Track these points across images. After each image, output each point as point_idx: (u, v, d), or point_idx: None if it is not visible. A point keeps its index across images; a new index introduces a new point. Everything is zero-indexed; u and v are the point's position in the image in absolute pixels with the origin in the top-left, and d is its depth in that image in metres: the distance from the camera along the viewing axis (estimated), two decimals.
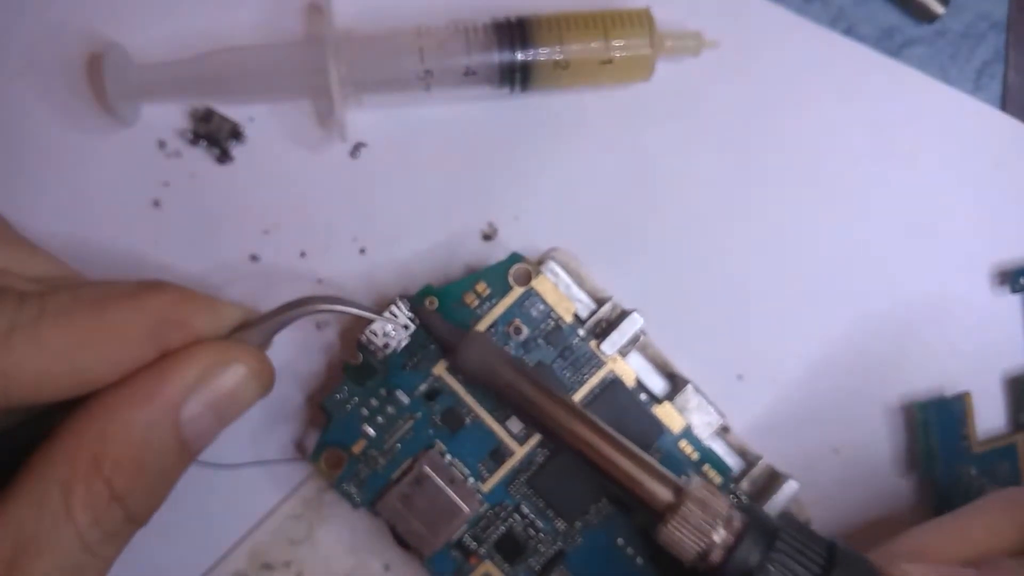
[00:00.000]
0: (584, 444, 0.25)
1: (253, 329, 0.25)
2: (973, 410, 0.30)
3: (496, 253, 0.30)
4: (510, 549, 0.28)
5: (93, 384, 0.22)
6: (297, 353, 0.29)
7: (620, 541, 0.28)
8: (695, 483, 0.24)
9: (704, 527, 0.23)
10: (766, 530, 0.23)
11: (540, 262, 0.28)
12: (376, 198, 0.30)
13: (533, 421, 0.26)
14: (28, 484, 0.21)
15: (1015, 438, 0.30)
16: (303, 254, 0.30)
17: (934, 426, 0.30)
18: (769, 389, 0.31)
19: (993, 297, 0.31)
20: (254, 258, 0.30)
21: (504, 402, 0.27)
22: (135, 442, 0.21)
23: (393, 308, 0.27)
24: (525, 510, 0.28)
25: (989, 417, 0.31)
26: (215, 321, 0.24)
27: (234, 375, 0.23)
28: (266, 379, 0.24)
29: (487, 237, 0.30)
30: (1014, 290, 0.31)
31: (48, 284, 0.23)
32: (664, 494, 0.24)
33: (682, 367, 0.29)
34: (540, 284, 0.28)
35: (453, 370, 0.27)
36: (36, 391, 0.21)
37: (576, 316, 0.28)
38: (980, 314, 0.31)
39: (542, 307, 0.28)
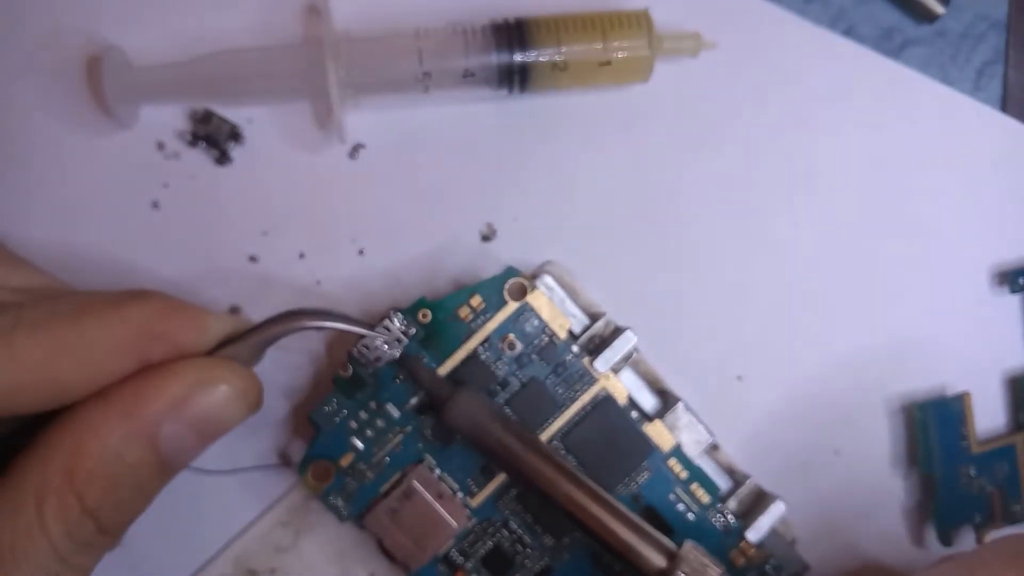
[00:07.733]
0: (576, 507, 0.25)
1: (240, 344, 0.24)
2: (973, 410, 0.30)
3: (495, 254, 0.30)
4: (497, 564, 0.28)
5: (71, 396, 0.21)
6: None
7: (606, 558, 0.27)
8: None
9: None
10: None
11: (535, 276, 0.28)
12: (375, 199, 0.30)
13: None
14: (4, 495, 0.21)
15: (1015, 438, 0.30)
16: (302, 255, 0.30)
17: (934, 426, 0.30)
18: (769, 390, 0.31)
19: (993, 297, 0.31)
20: (253, 259, 0.30)
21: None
22: (109, 458, 0.21)
23: (386, 322, 0.26)
24: (513, 525, 0.28)
25: (989, 417, 0.31)
26: (200, 334, 0.23)
27: (218, 395, 0.22)
28: (253, 399, 0.23)
29: (486, 238, 0.30)
30: (1013, 290, 0.31)
31: (31, 295, 0.22)
32: (657, 560, 0.24)
33: (681, 366, 0.29)
34: (535, 299, 0.27)
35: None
36: (9, 402, 0.21)
37: (570, 332, 0.28)
38: (980, 314, 0.31)
39: (536, 323, 0.27)
